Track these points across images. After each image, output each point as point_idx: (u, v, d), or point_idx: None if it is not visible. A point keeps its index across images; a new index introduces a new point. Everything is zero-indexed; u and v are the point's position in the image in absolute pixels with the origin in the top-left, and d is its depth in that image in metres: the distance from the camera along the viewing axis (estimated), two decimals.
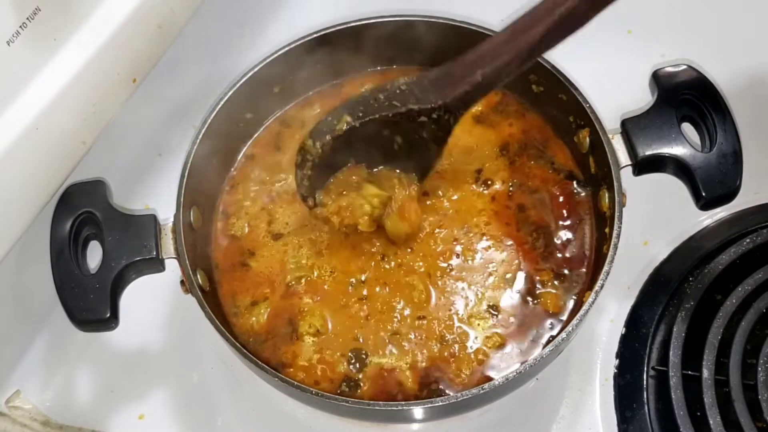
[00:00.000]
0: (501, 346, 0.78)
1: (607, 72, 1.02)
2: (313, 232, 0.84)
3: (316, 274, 0.82)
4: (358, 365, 0.78)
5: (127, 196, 0.95)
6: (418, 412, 0.75)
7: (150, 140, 1.02)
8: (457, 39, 0.89)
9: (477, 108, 0.90)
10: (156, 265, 0.77)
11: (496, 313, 0.79)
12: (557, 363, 0.80)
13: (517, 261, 0.81)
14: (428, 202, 0.85)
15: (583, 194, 0.85)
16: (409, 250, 0.82)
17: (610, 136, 0.80)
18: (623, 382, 0.85)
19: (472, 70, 0.74)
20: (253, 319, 0.81)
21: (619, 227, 0.76)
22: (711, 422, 0.76)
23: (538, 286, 0.80)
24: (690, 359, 0.80)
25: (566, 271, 0.81)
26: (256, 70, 0.86)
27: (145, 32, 0.83)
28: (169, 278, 0.81)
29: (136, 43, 0.82)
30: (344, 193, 0.81)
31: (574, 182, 0.85)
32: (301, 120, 0.92)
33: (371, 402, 0.73)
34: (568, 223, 0.83)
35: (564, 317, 0.79)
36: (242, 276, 0.83)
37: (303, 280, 0.82)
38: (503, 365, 0.77)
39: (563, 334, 0.72)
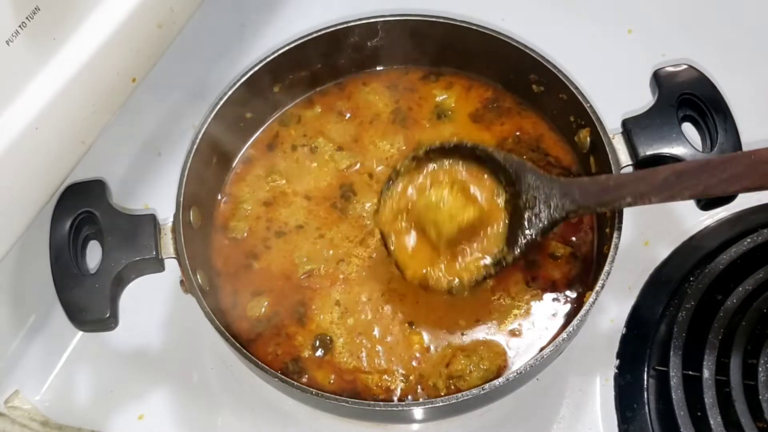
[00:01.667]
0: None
1: (608, 72, 1.02)
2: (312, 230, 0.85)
3: (323, 268, 0.83)
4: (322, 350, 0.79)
5: (127, 195, 0.95)
6: (418, 412, 0.75)
7: (150, 140, 1.02)
8: (458, 39, 0.89)
9: (474, 107, 0.91)
10: (156, 265, 0.77)
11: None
12: (558, 363, 0.80)
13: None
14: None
15: None
16: None
17: (610, 135, 0.80)
18: (624, 382, 0.85)
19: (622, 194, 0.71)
20: (254, 307, 0.81)
21: (620, 227, 0.76)
22: (712, 422, 0.76)
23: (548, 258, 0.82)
24: (690, 359, 0.80)
25: (572, 239, 0.82)
26: (256, 69, 0.86)
27: (145, 32, 0.83)
28: (168, 278, 0.81)
29: (136, 43, 0.82)
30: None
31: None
32: (301, 120, 0.92)
33: (371, 402, 0.73)
34: None
35: (565, 313, 0.79)
36: (245, 279, 0.83)
37: (312, 273, 0.82)
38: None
39: (564, 334, 0.72)
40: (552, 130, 0.89)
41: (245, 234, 0.85)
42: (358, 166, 0.88)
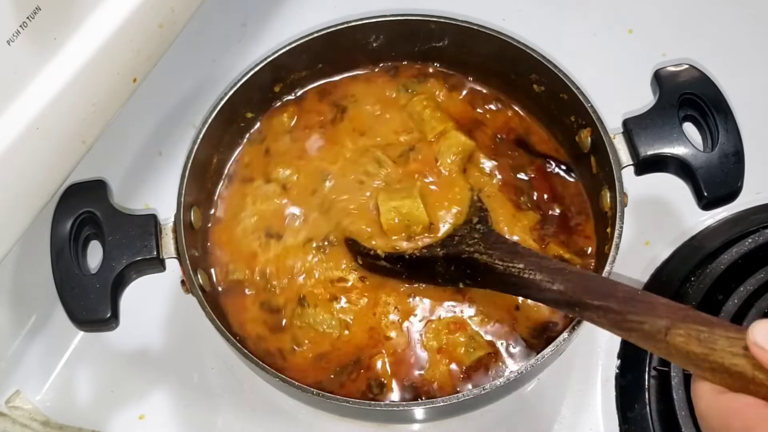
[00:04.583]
0: None
1: (609, 72, 1.02)
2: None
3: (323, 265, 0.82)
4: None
5: (128, 195, 0.95)
6: (418, 412, 0.75)
7: (150, 140, 1.02)
8: (459, 39, 0.89)
9: (473, 105, 0.91)
10: (156, 265, 0.77)
11: None
12: (558, 363, 0.79)
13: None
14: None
15: (571, 180, 0.86)
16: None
17: (611, 135, 0.80)
18: (624, 382, 0.85)
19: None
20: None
21: (621, 227, 0.75)
22: None
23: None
24: None
25: (572, 237, 0.83)
26: (256, 69, 0.86)
27: (146, 32, 0.83)
28: (169, 278, 0.81)
29: (136, 43, 0.82)
30: None
31: (560, 170, 0.87)
32: (300, 117, 0.92)
33: (371, 402, 0.72)
34: (557, 202, 0.85)
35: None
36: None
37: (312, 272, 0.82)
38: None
39: (564, 334, 0.72)
40: (551, 129, 0.89)
41: (243, 238, 0.85)
42: (357, 160, 0.88)
